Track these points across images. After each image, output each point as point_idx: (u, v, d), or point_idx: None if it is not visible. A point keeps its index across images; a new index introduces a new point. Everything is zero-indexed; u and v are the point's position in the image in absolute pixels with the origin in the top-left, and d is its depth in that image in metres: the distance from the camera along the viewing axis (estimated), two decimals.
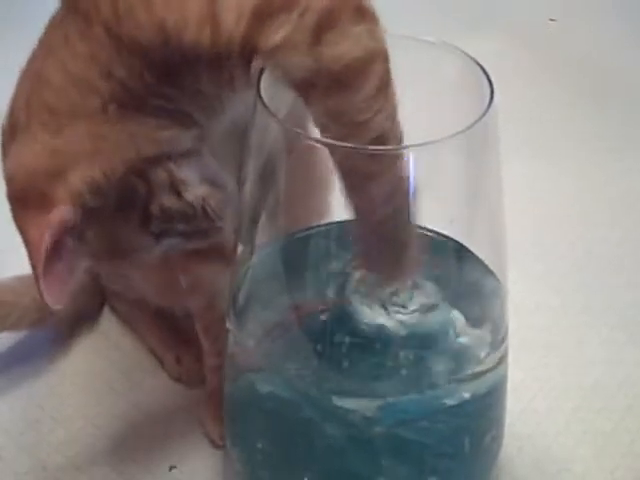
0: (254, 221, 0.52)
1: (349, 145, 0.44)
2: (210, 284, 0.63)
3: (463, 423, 0.53)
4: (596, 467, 0.64)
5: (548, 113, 1.04)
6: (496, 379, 0.54)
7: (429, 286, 0.53)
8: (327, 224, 0.54)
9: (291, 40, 0.45)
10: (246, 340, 0.53)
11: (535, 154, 0.95)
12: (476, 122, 0.45)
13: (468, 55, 0.49)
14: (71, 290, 0.50)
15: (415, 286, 0.53)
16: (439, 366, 0.52)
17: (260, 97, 0.47)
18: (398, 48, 0.51)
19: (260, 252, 0.53)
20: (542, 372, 0.71)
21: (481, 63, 0.49)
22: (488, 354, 0.52)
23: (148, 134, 0.49)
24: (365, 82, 0.45)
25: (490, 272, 0.52)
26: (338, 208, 0.51)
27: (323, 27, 0.45)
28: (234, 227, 0.54)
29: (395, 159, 0.46)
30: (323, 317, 0.53)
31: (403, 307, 0.53)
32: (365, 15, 0.46)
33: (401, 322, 0.53)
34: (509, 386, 0.56)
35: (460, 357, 0.52)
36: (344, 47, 0.45)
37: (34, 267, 0.48)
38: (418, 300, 0.53)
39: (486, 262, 0.52)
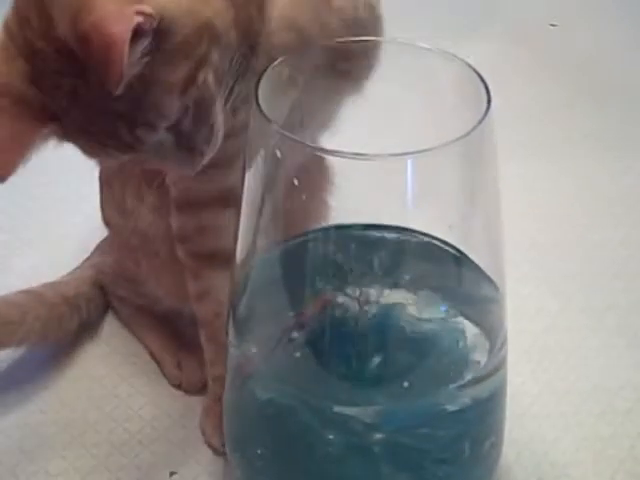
0: (254, 227, 0.52)
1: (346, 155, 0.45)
2: (220, 291, 0.63)
3: (463, 429, 0.53)
4: (595, 472, 0.64)
5: (548, 114, 1.04)
6: (495, 385, 0.54)
7: (427, 292, 0.54)
8: (326, 228, 0.54)
9: None
10: (246, 346, 0.53)
11: (534, 155, 0.95)
12: (473, 129, 0.46)
13: (465, 62, 0.49)
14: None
15: (414, 293, 0.54)
16: (438, 372, 0.52)
17: (258, 104, 0.47)
18: (396, 55, 0.51)
19: (260, 259, 0.53)
20: (541, 377, 0.71)
21: (482, 65, 0.49)
22: (487, 360, 0.52)
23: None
24: None
25: (488, 278, 0.52)
26: (338, 212, 0.51)
27: None
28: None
29: None
30: (323, 323, 0.53)
31: (402, 313, 0.53)
32: None
33: (400, 328, 0.53)
34: (508, 391, 0.56)
35: (459, 363, 0.52)
36: None
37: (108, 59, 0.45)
38: (417, 306, 0.53)
39: (484, 268, 0.52)
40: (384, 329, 0.53)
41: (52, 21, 0.48)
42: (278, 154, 0.48)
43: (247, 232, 0.52)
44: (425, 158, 0.45)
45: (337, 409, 0.50)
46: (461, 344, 0.53)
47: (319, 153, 0.46)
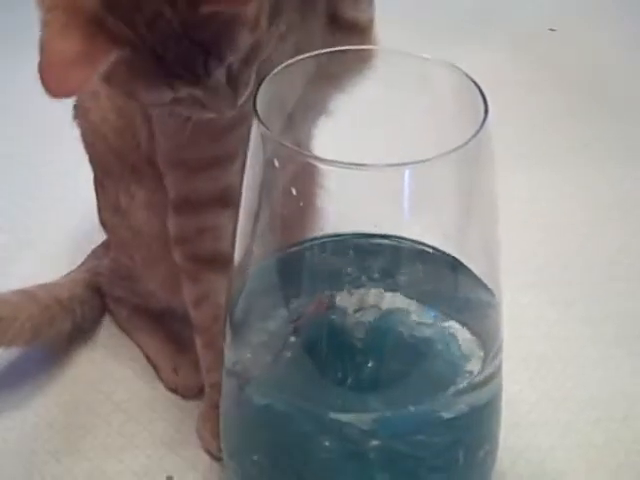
0: (251, 234, 0.52)
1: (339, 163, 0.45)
2: (219, 294, 0.63)
3: (458, 436, 0.53)
4: None
5: (547, 119, 1.05)
6: (491, 392, 0.54)
7: (423, 300, 0.54)
8: (322, 236, 0.54)
9: None
10: (242, 352, 0.54)
11: (535, 162, 0.96)
12: (471, 139, 0.46)
13: (463, 71, 0.49)
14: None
15: (411, 300, 0.54)
16: (434, 379, 0.52)
17: (256, 112, 0.47)
18: (394, 64, 0.51)
19: (256, 265, 0.53)
20: (538, 385, 0.71)
21: (480, 71, 0.49)
22: (483, 367, 0.52)
23: None
24: None
25: (484, 286, 0.52)
26: (334, 221, 0.51)
27: None
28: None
29: None
30: (319, 330, 0.53)
31: (399, 320, 0.53)
32: None
33: (397, 335, 0.53)
34: (504, 399, 0.56)
35: (455, 370, 0.52)
36: None
37: None
38: (413, 314, 0.53)
39: (480, 276, 0.52)
40: (380, 336, 0.53)
41: None
42: (276, 162, 0.48)
43: (244, 238, 0.52)
44: (422, 168, 0.45)
45: (333, 416, 0.50)
46: (457, 351, 0.53)
47: (317, 163, 0.46)
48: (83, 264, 0.80)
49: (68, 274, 0.79)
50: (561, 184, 0.94)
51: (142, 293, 0.73)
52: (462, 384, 0.51)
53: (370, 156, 0.44)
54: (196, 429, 0.67)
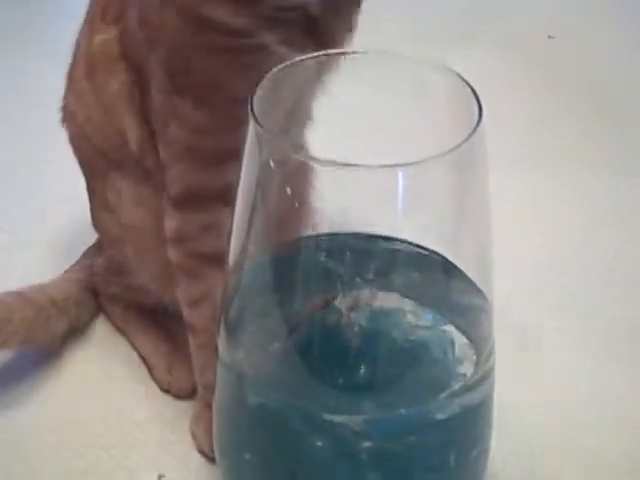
0: (246, 232, 0.52)
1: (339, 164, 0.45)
2: (218, 293, 0.62)
3: (450, 437, 0.53)
4: None
5: (545, 126, 1.05)
6: (483, 394, 0.54)
7: (417, 301, 0.54)
8: (317, 235, 0.55)
9: None
10: (236, 351, 0.54)
11: (531, 166, 0.96)
12: (464, 141, 0.46)
13: (457, 74, 0.49)
14: None
15: (404, 301, 0.54)
16: (427, 381, 0.52)
17: (253, 112, 0.48)
18: (388, 66, 0.52)
19: (251, 264, 0.53)
20: (528, 387, 0.71)
21: (479, 77, 0.49)
22: (475, 369, 0.53)
23: None
24: None
25: (477, 289, 0.52)
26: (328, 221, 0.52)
27: None
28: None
29: None
30: (313, 330, 0.53)
31: (393, 322, 0.53)
32: None
33: (390, 336, 0.53)
34: (496, 401, 0.56)
35: (448, 371, 0.52)
36: None
37: None
38: (407, 315, 0.54)
39: (473, 279, 0.52)
40: (374, 337, 0.54)
41: None
42: (271, 162, 0.48)
43: (240, 236, 0.52)
44: (416, 170, 0.45)
45: (326, 416, 0.50)
46: (449, 353, 0.53)
47: (312, 163, 0.47)
48: (76, 264, 0.80)
49: (62, 275, 0.79)
50: (557, 188, 0.94)
51: (135, 287, 0.73)
52: (456, 385, 0.51)
53: (364, 157, 0.45)
54: (189, 429, 0.68)
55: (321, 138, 0.59)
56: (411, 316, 0.54)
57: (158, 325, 0.75)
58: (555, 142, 1.02)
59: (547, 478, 0.65)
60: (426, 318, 0.54)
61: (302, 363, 0.52)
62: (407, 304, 0.54)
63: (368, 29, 0.57)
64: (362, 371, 0.52)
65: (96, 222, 0.74)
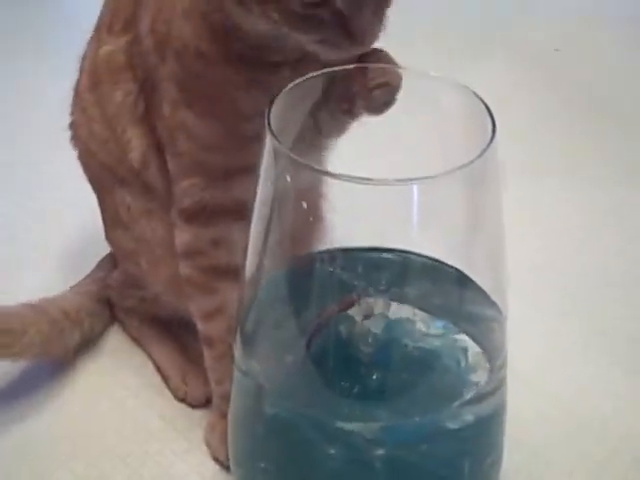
0: (262, 246, 0.53)
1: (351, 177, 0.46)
2: (233, 305, 0.62)
3: (463, 447, 0.53)
4: None
5: (550, 138, 1.05)
6: (496, 404, 0.54)
7: (430, 311, 0.55)
8: (332, 249, 0.55)
9: None
10: (252, 362, 0.54)
11: (531, 168, 0.96)
12: (478, 157, 0.47)
13: (471, 90, 0.50)
14: None
15: (418, 311, 0.54)
16: (440, 390, 0.52)
17: (270, 126, 0.48)
18: (403, 82, 0.52)
19: (267, 277, 0.54)
20: (538, 399, 0.71)
21: (486, 90, 0.50)
22: (488, 379, 0.53)
23: None
24: None
25: (490, 300, 0.53)
26: (342, 235, 0.52)
27: None
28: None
29: None
30: (327, 340, 0.54)
31: (406, 331, 0.54)
32: None
33: (404, 346, 0.54)
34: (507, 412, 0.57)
35: (461, 381, 0.53)
36: None
37: None
38: (421, 324, 0.54)
39: (487, 291, 0.53)
40: (388, 346, 0.54)
41: None
42: (287, 177, 0.49)
43: (256, 250, 0.53)
44: (430, 184, 0.46)
45: (339, 424, 0.50)
46: (463, 363, 0.53)
47: (328, 177, 0.47)
48: (89, 276, 0.81)
49: (74, 286, 0.80)
50: (557, 188, 0.95)
51: (150, 299, 0.74)
52: (469, 395, 0.52)
53: (377, 172, 0.45)
54: (204, 437, 0.68)
55: (336, 153, 0.60)
56: (424, 325, 0.54)
57: (173, 336, 0.76)
58: (555, 143, 1.02)
59: None
60: (440, 328, 0.54)
61: (317, 373, 0.52)
62: (421, 314, 0.54)
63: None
64: (376, 380, 0.53)
65: (109, 236, 0.74)
